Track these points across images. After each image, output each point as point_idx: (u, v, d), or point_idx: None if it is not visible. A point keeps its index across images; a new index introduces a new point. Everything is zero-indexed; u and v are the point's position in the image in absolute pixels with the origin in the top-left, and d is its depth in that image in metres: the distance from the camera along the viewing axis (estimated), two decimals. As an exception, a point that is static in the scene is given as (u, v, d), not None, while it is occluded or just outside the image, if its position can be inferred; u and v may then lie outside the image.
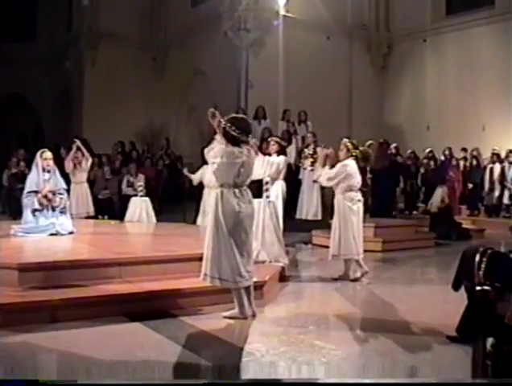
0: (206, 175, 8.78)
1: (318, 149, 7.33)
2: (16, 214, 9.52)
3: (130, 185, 12.17)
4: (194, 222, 9.71)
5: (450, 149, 14.45)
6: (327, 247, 6.72)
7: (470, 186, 13.80)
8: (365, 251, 6.75)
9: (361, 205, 6.54)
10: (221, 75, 15.61)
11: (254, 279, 4.85)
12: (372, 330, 4.56)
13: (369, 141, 10.19)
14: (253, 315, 4.73)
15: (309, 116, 13.32)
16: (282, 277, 6.45)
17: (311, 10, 15.63)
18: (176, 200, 12.89)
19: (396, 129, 17.18)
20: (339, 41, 16.99)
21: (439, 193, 11.78)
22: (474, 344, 3.35)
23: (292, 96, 14.76)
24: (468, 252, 4.03)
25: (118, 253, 5.79)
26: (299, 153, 12.03)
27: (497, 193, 13.51)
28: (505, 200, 13.42)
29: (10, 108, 21.12)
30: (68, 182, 8.86)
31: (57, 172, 7.25)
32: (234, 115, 4.89)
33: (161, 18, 19.19)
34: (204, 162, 8.04)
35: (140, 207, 10.40)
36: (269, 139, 8.02)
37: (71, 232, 7.05)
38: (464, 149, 14.47)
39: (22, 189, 7.30)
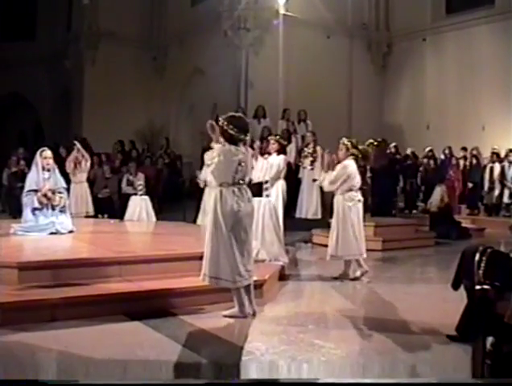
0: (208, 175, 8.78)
1: (326, 156, 7.24)
2: (16, 213, 9.50)
3: (130, 184, 12.15)
4: (194, 221, 9.70)
5: (450, 148, 14.47)
6: (327, 246, 6.71)
7: (470, 185, 13.81)
8: (365, 250, 6.74)
9: (361, 205, 6.53)
10: (221, 74, 15.59)
11: (254, 278, 4.86)
12: (372, 329, 4.56)
13: (369, 140, 10.18)
14: (254, 314, 4.73)
15: (309, 115, 13.34)
16: (282, 276, 6.45)
17: (311, 10, 15.61)
18: (176, 199, 12.90)
19: (396, 129, 17.16)
20: (339, 40, 16.98)
21: (438, 192, 11.78)
22: (474, 343, 3.35)
23: (292, 95, 14.76)
24: (468, 252, 4.03)
25: (118, 252, 5.80)
26: (299, 152, 12.04)
27: (496, 192, 13.53)
28: (505, 199, 13.43)
29: (10, 108, 21.08)
30: (68, 181, 8.87)
31: (57, 171, 7.24)
32: (232, 114, 4.89)
33: (161, 18, 19.16)
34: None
35: (140, 206, 10.42)
36: (269, 138, 8.02)
37: (71, 231, 7.04)
38: (464, 149, 14.47)
39: (22, 188, 7.29)
